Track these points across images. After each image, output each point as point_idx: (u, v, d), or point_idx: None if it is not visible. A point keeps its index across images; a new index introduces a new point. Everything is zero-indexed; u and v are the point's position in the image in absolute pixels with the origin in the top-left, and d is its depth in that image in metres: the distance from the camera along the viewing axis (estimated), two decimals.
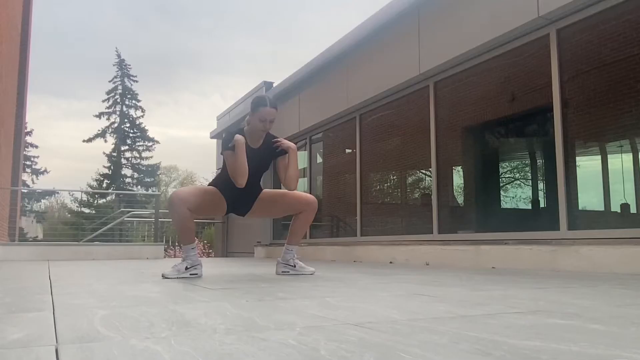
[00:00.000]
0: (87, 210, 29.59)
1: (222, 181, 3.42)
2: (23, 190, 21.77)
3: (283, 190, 3.58)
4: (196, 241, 3.41)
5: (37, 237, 24.40)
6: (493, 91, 5.28)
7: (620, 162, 4.24)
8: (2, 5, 8.25)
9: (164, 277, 3.16)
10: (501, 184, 5.65)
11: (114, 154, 32.79)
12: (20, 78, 11.65)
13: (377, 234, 6.72)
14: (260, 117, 3.27)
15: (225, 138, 3.31)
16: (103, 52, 68.26)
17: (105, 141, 33.03)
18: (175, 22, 68.12)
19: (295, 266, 3.55)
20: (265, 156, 3.43)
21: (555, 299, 1.90)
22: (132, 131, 33.53)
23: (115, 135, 33.00)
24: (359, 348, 1.00)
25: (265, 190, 3.60)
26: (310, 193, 8.68)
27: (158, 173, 35.92)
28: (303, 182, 9.08)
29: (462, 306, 1.68)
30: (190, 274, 3.23)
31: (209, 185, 3.51)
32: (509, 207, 5.45)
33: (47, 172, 30.54)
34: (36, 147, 30.83)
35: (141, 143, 33.66)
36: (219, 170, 3.62)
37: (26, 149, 27.01)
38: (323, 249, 7.40)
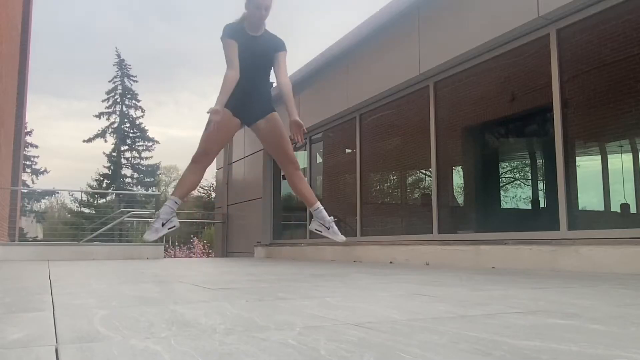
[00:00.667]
0: (87, 210, 29.59)
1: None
2: (23, 190, 21.78)
3: (285, 134, 3.54)
4: (184, 199, 3.41)
5: (37, 237, 24.40)
6: (493, 91, 5.28)
7: (620, 162, 4.24)
8: (2, 5, 8.25)
9: (145, 240, 3.16)
10: (501, 184, 5.65)
11: (114, 154, 32.79)
12: (20, 78, 11.65)
13: (377, 234, 6.72)
14: (256, 3, 3.33)
15: (226, 27, 3.39)
16: (103, 52, 68.36)
17: (105, 141, 33.05)
18: (175, 22, 68.18)
19: (329, 228, 3.53)
20: (266, 46, 3.42)
21: (555, 299, 1.90)
22: (132, 131, 33.53)
23: (115, 135, 33.00)
24: (359, 348, 1.00)
25: (276, 114, 3.52)
26: None
27: (158, 173, 35.95)
28: None
29: (462, 306, 1.68)
30: (168, 229, 3.21)
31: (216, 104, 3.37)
32: (509, 207, 5.45)
33: (47, 172, 30.54)
34: (36, 147, 30.83)
35: (141, 143, 33.67)
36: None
37: (26, 149, 27.01)
38: (323, 249, 7.40)
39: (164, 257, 9.49)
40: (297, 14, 70.14)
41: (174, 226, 3.25)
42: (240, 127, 3.47)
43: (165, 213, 3.24)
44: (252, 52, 3.32)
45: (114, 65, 34.05)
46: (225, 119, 3.32)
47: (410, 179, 6.80)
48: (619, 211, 4.15)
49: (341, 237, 3.53)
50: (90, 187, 32.29)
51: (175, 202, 3.28)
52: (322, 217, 3.54)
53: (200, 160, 3.34)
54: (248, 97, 3.39)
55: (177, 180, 3.35)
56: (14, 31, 10.39)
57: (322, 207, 3.56)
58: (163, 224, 3.21)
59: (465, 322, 1.33)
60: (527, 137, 5.38)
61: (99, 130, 33.03)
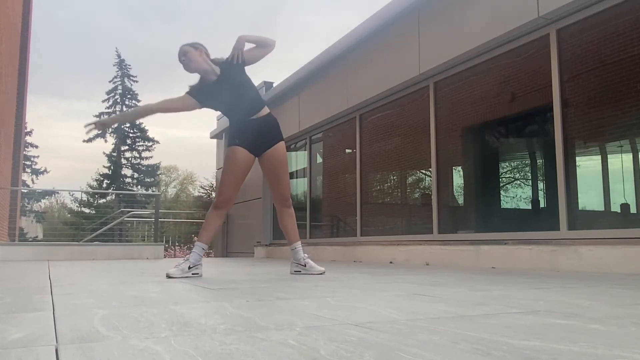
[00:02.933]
0: (87, 210, 29.59)
1: (234, 127, 3.45)
2: (23, 190, 21.78)
3: (285, 167, 3.58)
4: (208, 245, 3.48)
5: (37, 237, 24.40)
6: (493, 91, 5.28)
7: (620, 162, 4.24)
8: (2, 5, 8.25)
9: (168, 276, 3.17)
10: (501, 184, 5.65)
11: (114, 154, 32.77)
12: (20, 78, 11.65)
13: (377, 234, 6.72)
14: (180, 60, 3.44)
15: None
16: (103, 53, 68.32)
17: (106, 141, 33.02)
18: (175, 22, 68.19)
19: (305, 265, 3.58)
20: (230, 74, 3.42)
21: (555, 299, 1.90)
22: (132, 131, 33.51)
23: (115, 135, 32.99)
24: (359, 348, 1.00)
25: (282, 144, 3.54)
26: (310, 193, 8.68)
27: (158, 173, 35.91)
28: (303, 182, 9.08)
29: (462, 306, 1.68)
30: (192, 274, 3.27)
31: (229, 145, 3.43)
32: (509, 207, 5.44)
33: (47, 172, 30.50)
34: (36, 147, 30.77)
35: (141, 143, 33.64)
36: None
37: (26, 149, 26.99)
38: (323, 249, 7.40)
39: (164, 257, 9.48)
40: (296, 14, 70.11)
41: (198, 274, 3.30)
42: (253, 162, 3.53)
43: (195, 259, 3.31)
44: (226, 89, 3.40)
45: (114, 65, 34.05)
46: (243, 159, 3.40)
47: (410, 179, 6.80)
48: (619, 211, 4.15)
49: (319, 269, 3.57)
50: (90, 187, 32.29)
51: (203, 248, 3.35)
52: (298, 259, 3.62)
53: (223, 207, 3.42)
54: (258, 135, 3.45)
55: (206, 230, 3.42)
56: (14, 31, 10.39)
57: (299, 248, 3.64)
58: (190, 267, 3.27)
59: (465, 322, 1.33)
60: (527, 137, 5.37)
61: (99, 130, 32.98)
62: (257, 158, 3.54)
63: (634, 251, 3.48)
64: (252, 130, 3.43)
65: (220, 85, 3.41)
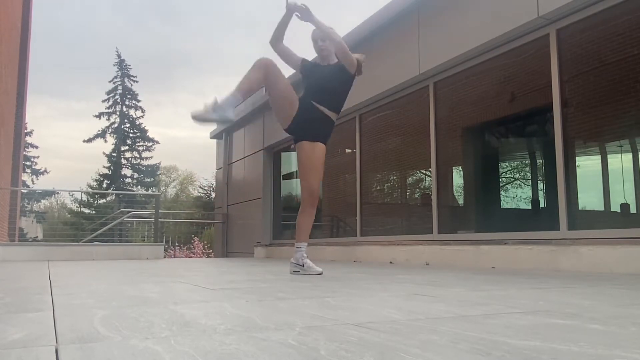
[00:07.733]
0: (87, 211, 29.59)
1: (327, 123, 3.64)
2: (23, 191, 21.78)
3: (307, 163, 3.64)
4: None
5: (37, 237, 24.40)
6: (493, 91, 5.28)
7: (620, 162, 4.24)
8: (2, 5, 8.25)
9: (216, 108, 3.10)
10: (501, 184, 5.65)
11: (114, 154, 32.78)
12: (20, 78, 11.65)
13: (377, 234, 6.72)
14: (312, 39, 3.70)
15: None
16: (103, 53, 68.37)
17: (105, 141, 33.06)
18: (174, 22, 68.20)
19: (303, 265, 3.55)
20: (330, 72, 3.67)
21: (555, 299, 1.90)
22: (132, 131, 33.53)
23: (115, 136, 32.99)
24: (359, 348, 1.00)
25: (305, 144, 3.60)
26: None
27: (158, 173, 35.94)
28: None
29: (462, 306, 1.68)
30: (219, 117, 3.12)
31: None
32: (508, 207, 5.45)
33: (47, 173, 30.54)
34: (36, 147, 30.84)
35: (141, 143, 33.66)
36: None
37: (26, 149, 27.01)
38: (323, 249, 7.40)
39: (164, 257, 9.48)
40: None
41: (230, 119, 3.16)
42: None
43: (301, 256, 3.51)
44: (315, 77, 3.66)
45: (114, 65, 34.08)
46: (295, 99, 3.54)
47: (410, 179, 6.80)
48: (619, 211, 4.15)
49: (317, 270, 3.57)
50: (90, 187, 32.30)
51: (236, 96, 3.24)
52: (296, 257, 3.62)
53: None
54: (302, 118, 3.56)
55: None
56: (14, 31, 10.39)
57: (303, 248, 3.63)
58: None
59: (465, 322, 1.33)
60: (527, 137, 5.38)
61: (99, 131, 33.04)
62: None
63: (634, 251, 3.48)
64: (302, 113, 3.57)
65: (321, 68, 3.70)
